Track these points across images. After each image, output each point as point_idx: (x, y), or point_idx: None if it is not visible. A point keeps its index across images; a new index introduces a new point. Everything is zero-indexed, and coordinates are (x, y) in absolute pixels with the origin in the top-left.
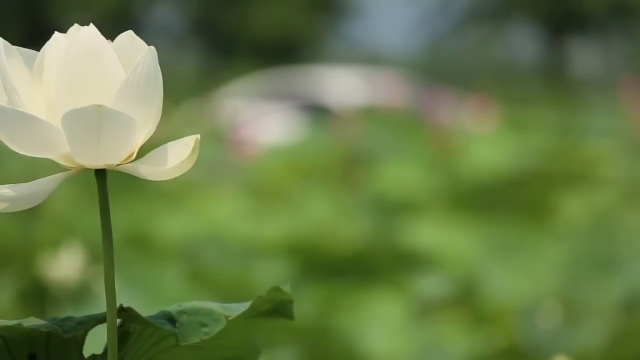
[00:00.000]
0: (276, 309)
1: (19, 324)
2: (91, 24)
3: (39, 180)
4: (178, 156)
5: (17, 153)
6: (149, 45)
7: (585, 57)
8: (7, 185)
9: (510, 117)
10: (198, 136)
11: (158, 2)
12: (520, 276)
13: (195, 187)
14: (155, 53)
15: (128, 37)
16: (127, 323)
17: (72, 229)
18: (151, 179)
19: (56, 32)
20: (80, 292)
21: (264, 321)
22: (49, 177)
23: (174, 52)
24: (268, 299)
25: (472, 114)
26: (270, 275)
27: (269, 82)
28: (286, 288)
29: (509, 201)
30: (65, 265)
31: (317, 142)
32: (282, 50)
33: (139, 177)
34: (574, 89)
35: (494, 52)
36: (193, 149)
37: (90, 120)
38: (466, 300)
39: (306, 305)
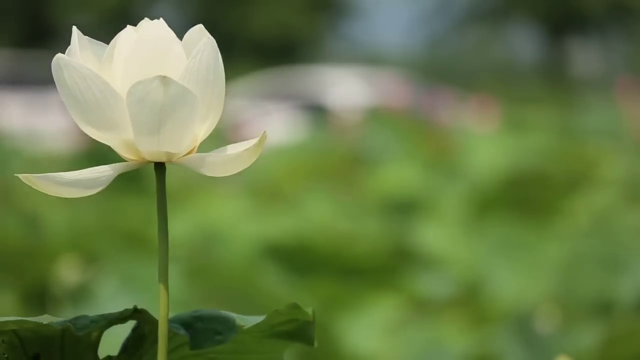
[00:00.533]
0: (296, 331)
1: (34, 320)
2: (161, 19)
3: (100, 167)
4: (241, 148)
5: (19, 154)
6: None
7: (585, 57)
8: (67, 172)
9: (510, 117)
10: (265, 130)
11: (158, 2)
12: (521, 275)
13: (195, 187)
14: (215, 43)
15: (197, 32)
16: (142, 326)
17: (73, 229)
18: (213, 174)
19: (128, 26)
20: (80, 293)
21: (282, 343)
22: (110, 164)
23: None
24: (286, 317)
25: (473, 114)
26: (272, 275)
27: (269, 82)
28: (309, 310)
29: (509, 201)
30: (66, 267)
31: (317, 142)
32: (282, 50)
33: (141, 179)
34: (574, 89)
35: (494, 52)
36: (260, 140)
37: (155, 92)
38: (467, 300)
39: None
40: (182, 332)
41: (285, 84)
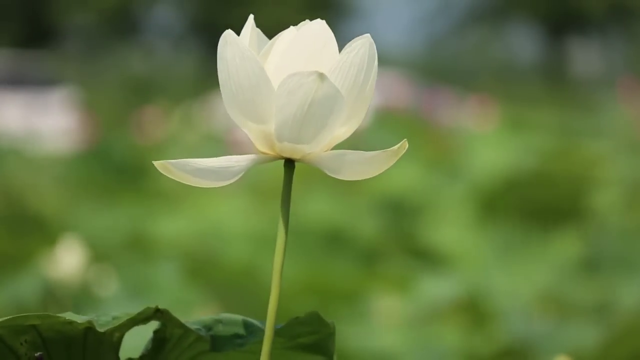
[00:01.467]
0: (317, 344)
1: (55, 315)
2: (322, 20)
3: (234, 156)
4: (378, 154)
5: (18, 153)
6: (148, 45)
7: (585, 57)
8: (204, 159)
9: (510, 117)
10: (405, 140)
11: (158, 2)
12: (522, 275)
13: (195, 187)
14: (374, 45)
15: (361, 37)
16: (163, 328)
17: (74, 230)
18: (342, 175)
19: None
20: (82, 294)
21: (302, 355)
22: (244, 155)
23: (174, 52)
24: (307, 328)
25: (473, 114)
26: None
27: None
28: (330, 323)
29: (510, 201)
30: (67, 267)
31: None
32: None
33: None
34: (574, 89)
35: (494, 52)
36: (399, 147)
37: (309, 87)
38: (469, 300)
39: (309, 305)
40: (203, 332)
41: None
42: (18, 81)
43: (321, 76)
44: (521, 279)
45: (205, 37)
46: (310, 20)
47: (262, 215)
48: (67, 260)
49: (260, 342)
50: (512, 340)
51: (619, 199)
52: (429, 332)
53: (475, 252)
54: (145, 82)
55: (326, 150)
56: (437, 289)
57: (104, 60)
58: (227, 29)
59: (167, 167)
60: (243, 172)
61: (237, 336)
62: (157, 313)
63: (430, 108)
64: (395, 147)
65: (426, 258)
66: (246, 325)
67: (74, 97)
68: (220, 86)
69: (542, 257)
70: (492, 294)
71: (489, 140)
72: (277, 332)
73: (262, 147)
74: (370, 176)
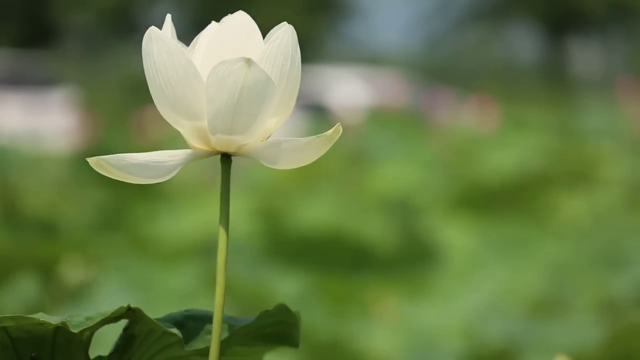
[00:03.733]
0: (281, 333)
1: (28, 317)
2: (243, 12)
3: (169, 151)
4: (312, 139)
5: (19, 152)
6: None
7: (585, 57)
8: (139, 153)
9: (510, 116)
10: (339, 124)
11: (158, 2)
12: (521, 274)
13: (196, 188)
14: (295, 33)
15: (279, 27)
16: (132, 326)
17: (74, 230)
18: (280, 165)
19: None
20: (85, 293)
21: (267, 344)
22: (180, 150)
23: None
24: (273, 319)
25: (473, 114)
26: (276, 275)
27: None
28: (295, 312)
29: (510, 200)
30: (68, 267)
31: None
32: None
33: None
34: (574, 89)
35: (494, 52)
36: (333, 130)
37: (238, 73)
38: (468, 300)
39: (312, 304)
40: (174, 330)
41: None
42: (18, 81)
43: (248, 61)
44: (519, 278)
45: None
46: (310, 20)
47: (265, 216)
48: (67, 260)
49: (230, 337)
50: (509, 338)
51: (618, 199)
52: (429, 331)
53: (474, 250)
54: (145, 82)
55: (264, 138)
56: (436, 288)
57: (104, 60)
58: None
59: (101, 163)
60: (178, 168)
61: (207, 332)
62: (129, 312)
63: (429, 108)
64: (329, 131)
65: (426, 258)
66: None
67: (74, 97)
68: (149, 85)
69: (542, 255)
70: (492, 293)
71: (489, 140)
72: (247, 325)
73: (197, 143)
74: (307, 163)
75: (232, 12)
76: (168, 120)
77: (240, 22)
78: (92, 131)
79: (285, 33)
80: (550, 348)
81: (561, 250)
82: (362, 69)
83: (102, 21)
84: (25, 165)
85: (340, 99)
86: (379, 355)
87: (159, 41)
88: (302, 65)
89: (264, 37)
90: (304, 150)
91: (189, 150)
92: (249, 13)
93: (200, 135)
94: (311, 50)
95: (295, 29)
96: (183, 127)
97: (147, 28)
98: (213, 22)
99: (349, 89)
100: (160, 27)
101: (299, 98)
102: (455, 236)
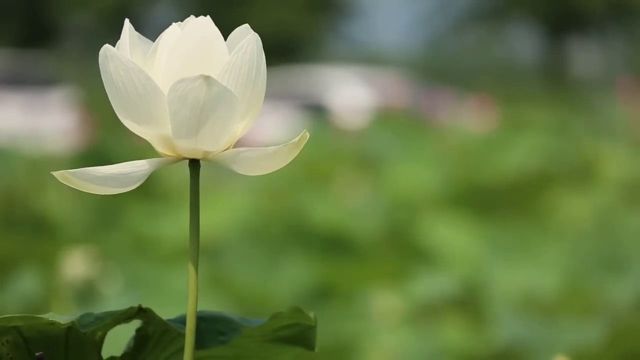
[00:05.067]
0: (297, 336)
1: (37, 317)
2: (206, 17)
3: (136, 161)
4: (280, 148)
5: (21, 154)
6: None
7: (585, 57)
8: (103, 166)
9: (510, 116)
10: (306, 130)
11: (158, 2)
12: (522, 275)
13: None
14: (260, 41)
15: (242, 31)
16: (145, 326)
17: (74, 230)
18: (248, 171)
19: (173, 23)
20: (87, 293)
21: (283, 347)
22: (147, 159)
23: None
24: (288, 321)
25: (472, 114)
26: (277, 274)
27: (269, 82)
28: (311, 315)
29: (510, 200)
30: (68, 266)
31: (317, 141)
32: (282, 50)
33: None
34: (574, 89)
35: (494, 52)
36: (299, 139)
37: (197, 91)
38: (468, 300)
39: (312, 304)
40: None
41: (285, 83)
42: (18, 81)
43: (207, 79)
44: (519, 278)
45: None
46: (310, 20)
47: (266, 216)
48: (69, 260)
49: (243, 338)
50: (510, 339)
51: (618, 199)
52: (428, 331)
53: (476, 251)
54: None
55: (227, 147)
56: (435, 288)
57: None
58: (227, 28)
59: (66, 176)
60: (146, 177)
61: (219, 332)
62: (140, 312)
63: (429, 108)
64: (296, 139)
65: (425, 257)
66: (227, 321)
67: (73, 97)
68: (110, 99)
69: (542, 256)
70: (490, 293)
71: (489, 140)
72: (260, 327)
73: (163, 150)
74: (274, 170)
75: (232, 12)
76: (132, 130)
77: (202, 28)
78: (91, 131)
79: (249, 42)
80: (550, 348)
81: (561, 250)
82: (362, 69)
83: (102, 21)
84: (25, 165)
85: (341, 99)
86: (383, 356)
87: (115, 59)
88: (301, 65)
89: (269, 36)
90: (271, 158)
91: (155, 159)
92: (249, 13)
93: (166, 143)
94: (311, 50)
95: (295, 28)
96: (148, 136)
97: (147, 28)
98: (174, 24)
99: (349, 89)
100: (160, 27)
101: (299, 98)
102: (456, 236)
